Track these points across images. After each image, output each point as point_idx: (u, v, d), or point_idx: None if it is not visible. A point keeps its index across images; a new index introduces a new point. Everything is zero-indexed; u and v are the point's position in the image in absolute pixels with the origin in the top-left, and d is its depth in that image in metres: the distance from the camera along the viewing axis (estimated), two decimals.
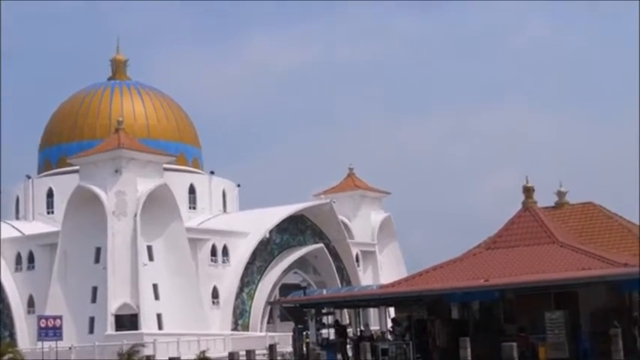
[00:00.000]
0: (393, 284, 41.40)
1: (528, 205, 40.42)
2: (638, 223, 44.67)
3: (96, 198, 66.83)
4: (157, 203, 67.49)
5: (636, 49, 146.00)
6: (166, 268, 67.53)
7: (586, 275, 33.36)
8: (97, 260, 66.67)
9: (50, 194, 77.58)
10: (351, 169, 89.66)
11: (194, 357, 45.55)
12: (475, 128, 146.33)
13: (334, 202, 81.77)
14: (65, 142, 79.44)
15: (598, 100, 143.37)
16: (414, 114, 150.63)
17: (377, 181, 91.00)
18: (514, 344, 31.49)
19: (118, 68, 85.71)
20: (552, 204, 45.37)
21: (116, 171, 67.18)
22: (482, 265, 37.55)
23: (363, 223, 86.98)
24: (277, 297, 70.51)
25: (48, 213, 76.91)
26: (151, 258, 67.36)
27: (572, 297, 34.56)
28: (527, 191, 40.80)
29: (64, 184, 73.16)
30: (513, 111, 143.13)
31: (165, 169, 71.20)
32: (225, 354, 46.20)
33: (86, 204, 67.17)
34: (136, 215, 66.28)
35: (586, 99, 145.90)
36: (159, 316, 66.20)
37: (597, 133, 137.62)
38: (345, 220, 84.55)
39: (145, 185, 67.34)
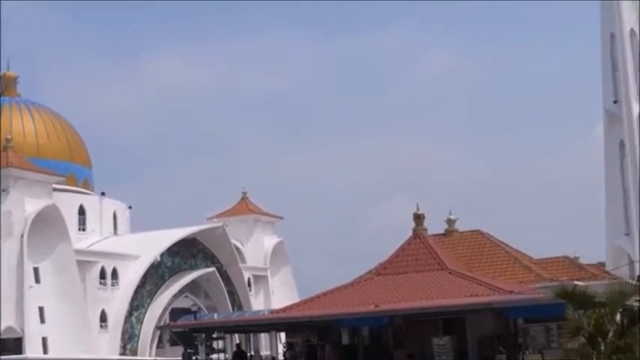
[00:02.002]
0: (284, 309, 41.40)
1: (418, 232, 41.02)
2: (524, 252, 45.85)
3: None
4: (45, 224, 65.95)
5: (533, 81, 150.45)
6: (53, 290, 66.00)
7: (473, 302, 33.97)
8: None
9: None
10: (244, 193, 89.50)
11: None
12: (369, 155, 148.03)
13: (227, 225, 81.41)
14: None
15: (490, 130, 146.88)
16: (309, 140, 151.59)
17: (270, 205, 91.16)
18: None
19: (7, 85, 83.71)
20: (442, 231, 46.20)
21: (3, 190, 65.44)
22: (372, 291, 37.87)
23: (255, 247, 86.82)
24: (167, 321, 69.64)
25: None
26: (37, 280, 65.69)
27: (460, 323, 35.12)
28: (418, 218, 41.42)
29: None
30: (407, 139, 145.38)
31: (55, 190, 69.71)
32: None
33: None
34: (22, 236, 64.59)
35: (477, 129, 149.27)
36: (44, 340, 64.55)
37: (490, 162, 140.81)
38: (238, 244, 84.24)
39: (32, 205, 65.76)
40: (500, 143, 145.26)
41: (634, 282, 33.15)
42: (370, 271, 41.84)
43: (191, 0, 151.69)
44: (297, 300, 59.03)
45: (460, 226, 46.71)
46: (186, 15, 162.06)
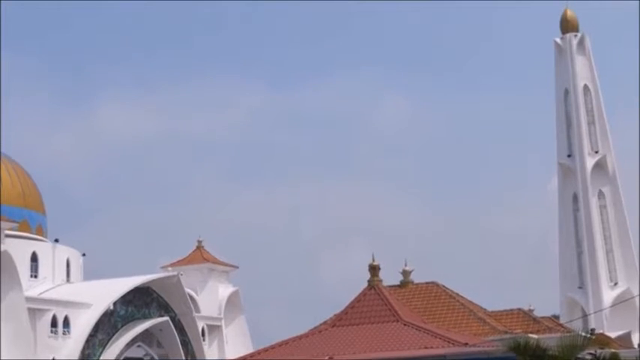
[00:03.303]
0: None
1: (374, 283, 40.98)
2: (479, 304, 46.04)
3: None
4: None
5: (488, 133, 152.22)
6: (3, 338, 64.82)
7: (427, 354, 33.94)
8: None
9: None
10: (200, 242, 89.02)
11: None
12: (325, 203, 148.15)
13: (182, 274, 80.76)
14: None
15: (446, 181, 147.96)
16: (265, 188, 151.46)
17: (226, 254, 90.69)
18: None
19: None
20: (398, 282, 46.29)
21: None
22: (327, 343, 37.69)
23: (210, 296, 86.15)
24: None
25: None
26: None
27: None
28: (373, 269, 41.38)
29: None
30: (363, 187, 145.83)
31: (7, 236, 68.85)
32: None
33: None
34: None
35: (433, 179, 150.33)
36: None
37: (445, 214, 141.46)
38: (192, 293, 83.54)
39: None
40: (455, 195, 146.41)
41: (587, 335, 33.38)
42: (325, 322, 41.66)
43: (142, 45, 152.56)
44: (251, 350, 58.56)
45: (415, 278, 46.86)
46: (137, 61, 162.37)
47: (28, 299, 68.13)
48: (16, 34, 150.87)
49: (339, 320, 39.95)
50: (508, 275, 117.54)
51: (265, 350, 39.25)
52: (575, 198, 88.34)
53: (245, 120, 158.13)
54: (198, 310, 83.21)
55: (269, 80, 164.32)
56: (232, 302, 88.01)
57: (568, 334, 28.13)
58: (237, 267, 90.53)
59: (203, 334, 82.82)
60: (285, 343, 38.90)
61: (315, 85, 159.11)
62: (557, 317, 69.16)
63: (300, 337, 39.30)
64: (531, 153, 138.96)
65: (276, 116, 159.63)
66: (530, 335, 36.67)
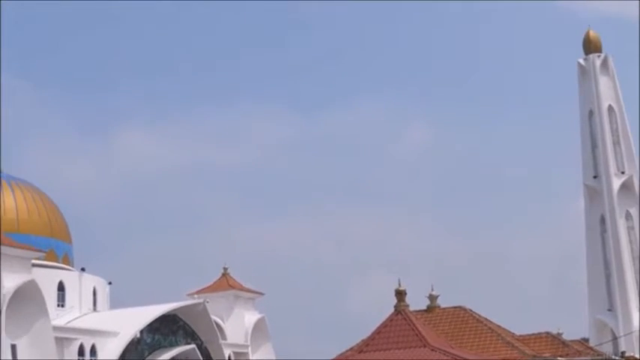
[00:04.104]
0: None
1: (400, 308, 40.81)
2: (506, 328, 45.69)
3: None
4: (24, 300, 65.18)
5: (513, 155, 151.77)
6: None
7: None
8: None
9: None
10: (225, 269, 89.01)
11: None
12: (351, 231, 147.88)
13: (208, 302, 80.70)
14: None
15: (471, 206, 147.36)
16: (289, 214, 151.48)
17: (252, 281, 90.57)
18: None
19: None
20: (424, 307, 46.07)
21: None
22: None
23: (236, 323, 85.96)
24: None
25: None
26: (14, 357, 64.67)
27: None
28: (400, 294, 41.24)
29: None
30: (388, 212, 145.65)
31: (34, 265, 69.13)
32: None
33: None
34: (0, 312, 63.79)
35: (459, 204, 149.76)
36: None
37: (471, 238, 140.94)
38: (219, 321, 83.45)
39: (11, 281, 65.05)
40: (480, 218, 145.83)
41: (618, 358, 33.05)
42: (352, 348, 41.50)
43: (162, 76, 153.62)
44: None
45: (442, 302, 46.62)
46: (159, 90, 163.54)
47: (56, 328, 68.28)
48: (35, 64, 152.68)
49: (366, 346, 39.78)
50: (535, 298, 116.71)
51: None
52: (603, 220, 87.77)
53: (269, 148, 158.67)
54: (224, 338, 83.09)
55: (290, 107, 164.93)
56: (259, 329, 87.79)
57: (599, 358, 27.85)
58: (263, 294, 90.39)
59: None
60: None
61: (336, 111, 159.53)
62: (586, 340, 68.40)
63: None
64: (557, 175, 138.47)
65: (298, 143, 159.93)
66: (560, 359, 36.36)
